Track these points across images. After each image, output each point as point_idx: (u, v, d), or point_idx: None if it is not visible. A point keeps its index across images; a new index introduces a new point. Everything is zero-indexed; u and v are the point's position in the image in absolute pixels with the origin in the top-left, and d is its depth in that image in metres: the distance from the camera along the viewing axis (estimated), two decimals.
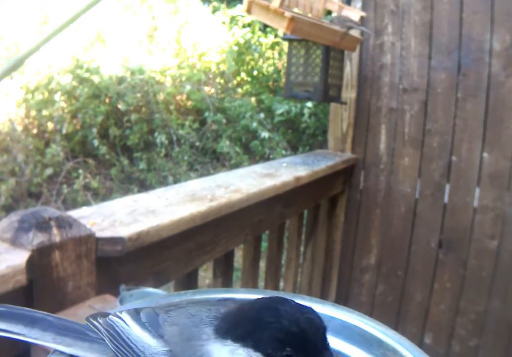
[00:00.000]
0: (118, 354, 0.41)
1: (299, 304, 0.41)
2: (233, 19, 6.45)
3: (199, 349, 0.40)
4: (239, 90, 6.35)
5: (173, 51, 6.07)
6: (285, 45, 5.69)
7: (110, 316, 0.44)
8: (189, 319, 0.43)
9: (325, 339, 0.40)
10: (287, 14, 1.56)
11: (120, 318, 0.44)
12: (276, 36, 6.33)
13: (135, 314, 0.45)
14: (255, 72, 6.48)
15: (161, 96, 5.80)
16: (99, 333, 0.43)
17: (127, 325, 0.43)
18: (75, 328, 0.44)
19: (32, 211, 0.95)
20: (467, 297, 2.15)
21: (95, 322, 0.44)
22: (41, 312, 0.46)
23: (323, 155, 2.29)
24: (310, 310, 0.41)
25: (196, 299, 0.52)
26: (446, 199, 2.17)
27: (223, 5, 6.55)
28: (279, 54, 6.48)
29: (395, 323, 2.33)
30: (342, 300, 2.50)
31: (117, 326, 0.43)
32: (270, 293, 0.53)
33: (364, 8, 2.26)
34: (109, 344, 0.42)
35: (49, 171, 5.28)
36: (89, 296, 0.98)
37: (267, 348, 0.38)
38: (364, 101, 2.35)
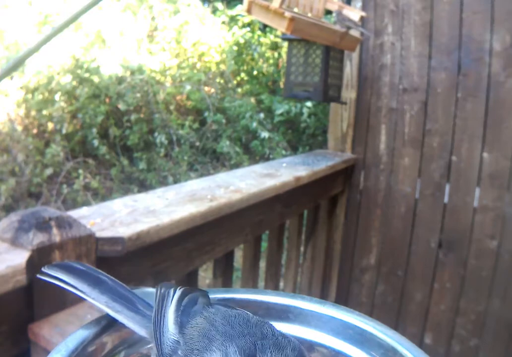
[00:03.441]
0: (153, 325, 0.43)
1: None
2: (233, 19, 6.45)
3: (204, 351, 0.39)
4: (239, 90, 6.35)
5: (173, 51, 6.07)
6: (285, 45, 5.68)
7: (170, 290, 0.47)
8: (220, 320, 0.42)
9: None
10: (287, 14, 1.56)
11: (174, 293, 0.46)
12: (276, 36, 6.32)
13: (184, 294, 0.46)
14: (255, 72, 6.48)
15: (161, 96, 5.80)
16: (154, 302, 0.46)
17: (170, 302, 0.45)
18: (128, 298, 0.48)
19: (32, 211, 0.95)
20: (467, 297, 2.15)
21: (157, 291, 0.47)
22: (107, 275, 0.49)
23: (323, 155, 2.29)
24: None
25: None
26: (446, 199, 2.17)
27: (223, 5, 6.55)
28: (279, 54, 6.47)
29: (395, 323, 2.33)
30: (342, 300, 2.50)
31: (166, 300, 0.45)
32: (270, 293, 0.54)
33: (364, 8, 2.26)
34: (152, 315, 0.44)
35: (49, 171, 5.28)
36: None
37: None
38: (364, 101, 2.35)
